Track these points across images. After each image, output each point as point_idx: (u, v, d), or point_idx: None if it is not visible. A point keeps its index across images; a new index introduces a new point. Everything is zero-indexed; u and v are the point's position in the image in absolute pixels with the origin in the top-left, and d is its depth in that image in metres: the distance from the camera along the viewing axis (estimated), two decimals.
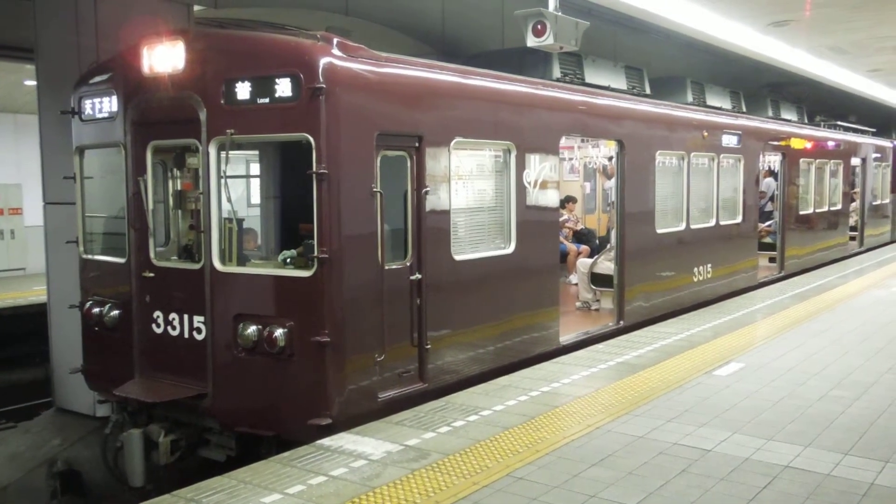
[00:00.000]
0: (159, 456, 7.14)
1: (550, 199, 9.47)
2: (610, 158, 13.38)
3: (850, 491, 5.33)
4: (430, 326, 7.65)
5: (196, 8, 10.25)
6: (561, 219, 9.86)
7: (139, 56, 7.35)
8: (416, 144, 7.51)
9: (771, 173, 18.32)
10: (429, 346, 7.63)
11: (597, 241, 14.48)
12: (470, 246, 8.36)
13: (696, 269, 12.98)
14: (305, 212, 6.79)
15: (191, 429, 7.36)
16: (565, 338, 9.87)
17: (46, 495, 8.77)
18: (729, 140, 14.02)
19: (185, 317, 7.27)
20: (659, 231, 11.87)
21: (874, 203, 24.20)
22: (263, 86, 6.71)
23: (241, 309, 6.98)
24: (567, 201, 14.15)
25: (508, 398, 7.55)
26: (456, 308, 8.06)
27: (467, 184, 8.38)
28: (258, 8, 11.52)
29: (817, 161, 18.51)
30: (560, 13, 9.20)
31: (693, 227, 12.86)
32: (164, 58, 7.18)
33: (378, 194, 7.00)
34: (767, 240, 17.20)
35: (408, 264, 7.52)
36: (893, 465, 5.79)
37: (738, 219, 14.51)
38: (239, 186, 10.48)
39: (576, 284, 12.85)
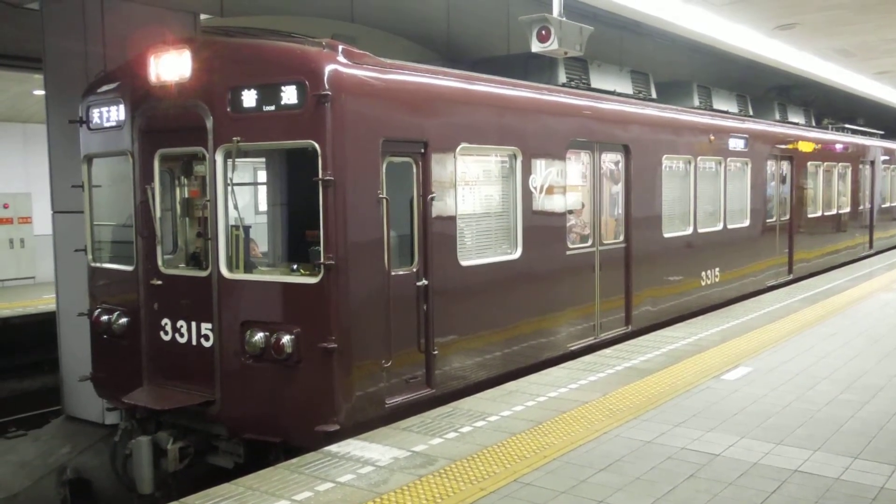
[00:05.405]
0: (168, 463, 7.15)
1: (557, 204, 9.47)
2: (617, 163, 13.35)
3: (860, 495, 5.30)
4: (437, 332, 7.65)
5: (202, 16, 10.30)
6: (568, 223, 9.87)
7: (146, 65, 7.40)
8: (422, 150, 7.53)
9: None
10: (436, 352, 7.63)
11: None
12: (476, 251, 8.37)
13: (703, 274, 12.95)
14: (312, 218, 6.82)
15: (199, 436, 7.38)
16: (573, 343, 9.84)
17: (56, 503, 8.80)
18: (736, 144, 13.99)
19: (193, 324, 7.30)
20: (666, 235, 11.85)
21: (883, 206, 24.11)
22: (269, 93, 6.74)
23: (249, 316, 7.00)
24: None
25: (516, 403, 7.54)
26: (463, 313, 8.06)
27: (473, 189, 8.39)
28: (264, 16, 11.56)
29: (825, 164, 18.46)
30: (564, 18, 9.21)
31: (700, 230, 12.84)
32: (171, 66, 7.23)
33: (384, 200, 7.02)
34: None
35: (414, 270, 7.53)
36: None
37: (746, 222, 14.47)
38: (246, 194, 10.51)
39: None
